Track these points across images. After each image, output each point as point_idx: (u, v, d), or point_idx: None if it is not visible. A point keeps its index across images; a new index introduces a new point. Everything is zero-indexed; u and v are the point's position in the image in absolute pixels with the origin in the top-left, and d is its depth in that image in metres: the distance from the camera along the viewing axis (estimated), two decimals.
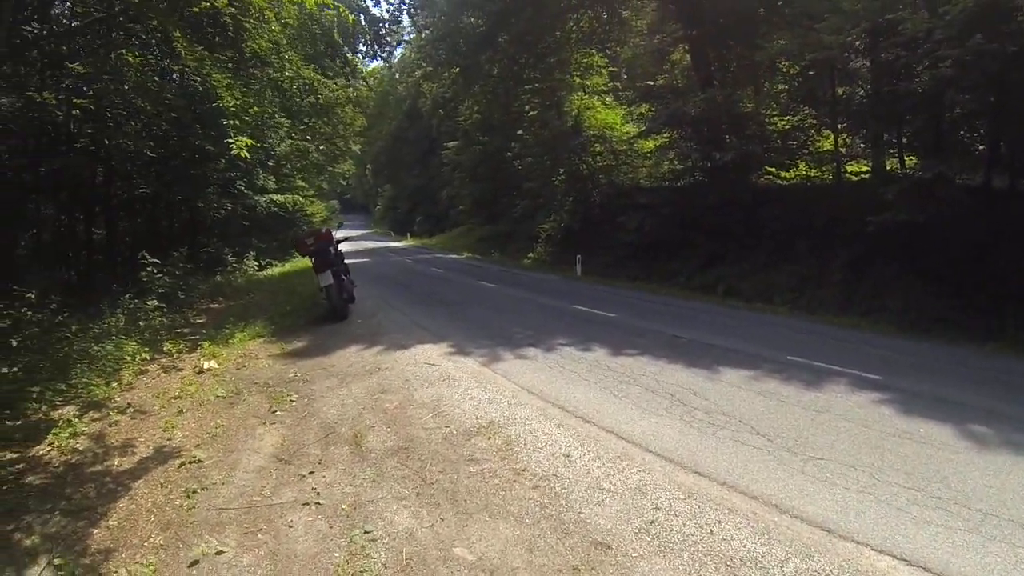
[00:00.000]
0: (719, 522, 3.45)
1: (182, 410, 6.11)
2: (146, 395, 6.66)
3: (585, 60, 23.32)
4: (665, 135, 18.27)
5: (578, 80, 23.50)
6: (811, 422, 5.04)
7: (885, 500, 3.69)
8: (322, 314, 10.41)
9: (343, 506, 3.99)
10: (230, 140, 8.28)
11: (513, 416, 5.38)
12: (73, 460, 5.29)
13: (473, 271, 20.44)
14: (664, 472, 4.17)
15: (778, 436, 4.73)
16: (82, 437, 5.70)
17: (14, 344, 8.27)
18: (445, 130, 39.19)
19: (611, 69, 23.84)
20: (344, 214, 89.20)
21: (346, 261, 11.11)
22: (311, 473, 4.56)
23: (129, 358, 7.78)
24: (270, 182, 21.56)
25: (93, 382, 6.91)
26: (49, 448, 5.49)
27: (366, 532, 3.62)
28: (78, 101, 9.58)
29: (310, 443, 5.11)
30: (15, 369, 7.59)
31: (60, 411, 6.40)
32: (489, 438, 4.90)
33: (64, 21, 10.81)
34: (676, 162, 18.67)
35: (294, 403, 6.06)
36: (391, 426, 5.30)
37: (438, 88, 29.48)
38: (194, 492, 4.44)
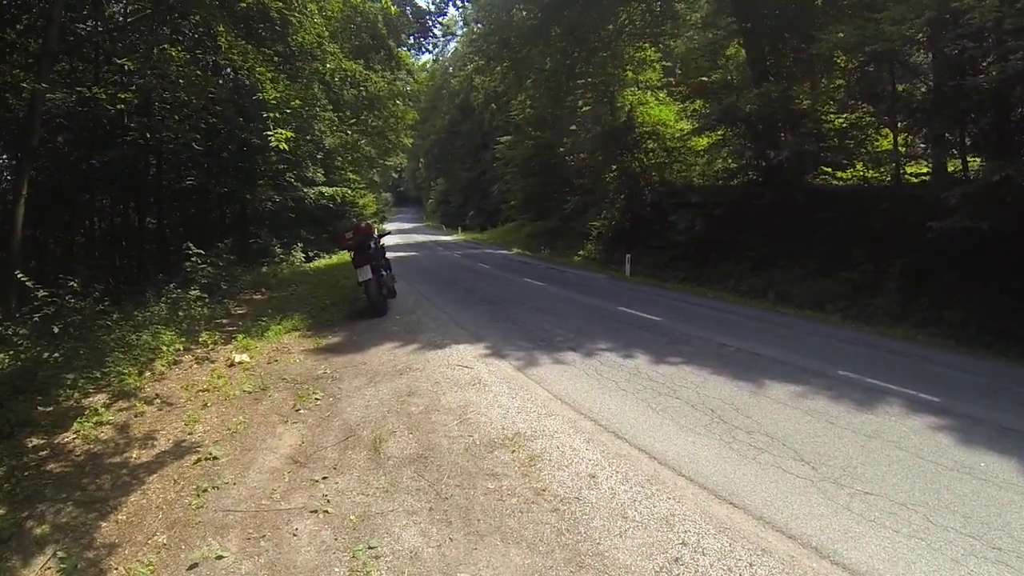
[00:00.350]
0: (750, 565, 3.13)
1: (207, 404, 6.10)
2: (175, 386, 6.69)
3: (638, 54, 22.74)
4: (719, 132, 17.73)
5: (631, 75, 22.95)
6: (860, 449, 4.63)
7: (939, 548, 3.30)
8: (361, 309, 10.35)
9: (351, 516, 3.84)
10: (270, 133, 8.27)
11: (541, 428, 5.13)
12: (95, 449, 5.33)
13: (520, 268, 20.22)
14: (696, 501, 3.86)
15: (824, 464, 4.35)
16: (107, 427, 5.75)
17: (55, 331, 8.55)
18: (497, 124, 39.03)
19: (664, 64, 23.23)
20: (397, 207, 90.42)
21: (394, 254, 11.00)
22: (324, 478, 4.43)
23: (165, 348, 7.86)
24: (319, 174, 21.78)
25: (126, 371, 6.98)
26: (74, 436, 5.56)
27: (370, 548, 3.45)
28: (123, 95, 9.75)
29: (328, 445, 5.00)
30: (56, 355, 7.80)
31: (91, 399, 6.48)
32: (513, 451, 4.68)
33: (119, 18, 11.04)
34: (730, 160, 18.16)
35: (319, 402, 5.97)
36: (413, 432, 5.14)
37: (490, 82, 29.37)
38: (204, 491, 4.39)
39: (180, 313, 9.42)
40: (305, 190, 20.70)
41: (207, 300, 10.70)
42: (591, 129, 24.32)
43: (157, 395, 6.45)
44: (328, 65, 10.35)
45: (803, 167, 14.77)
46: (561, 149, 27.74)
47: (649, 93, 23.13)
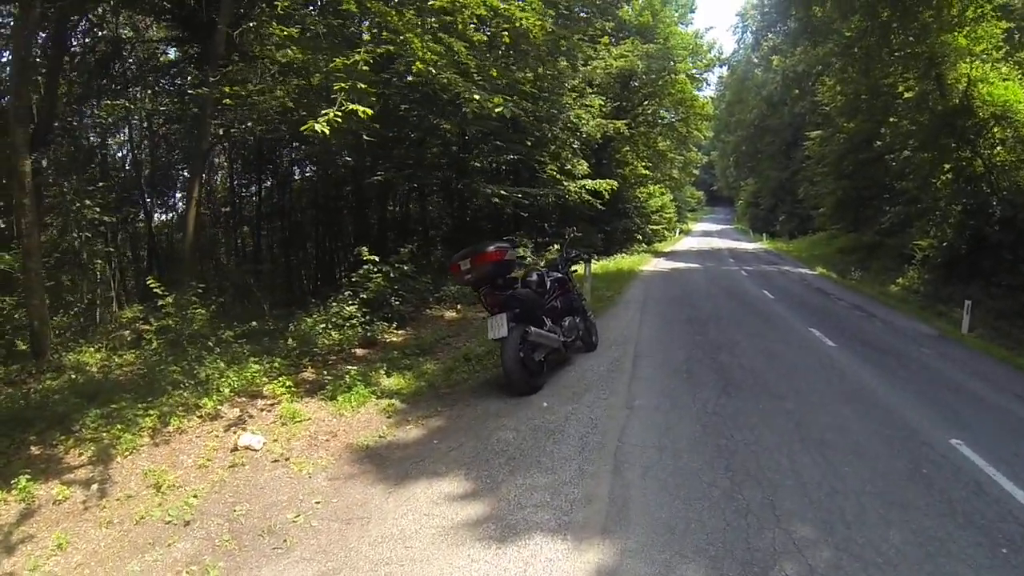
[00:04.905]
0: None
1: (107, 523, 4.10)
2: (145, 466, 4.87)
3: (971, 14, 15.51)
4: None
5: (963, 41, 16.15)
6: None
7: None
8: (497, 377, 6.95)
9: None
10: (326, 111, 5.80)
11: None
12: None
13: (813, 304, 15.00)
14: None
15: None
16: (16, 507, 4.23)
17: (154, 344, 7.63)
18: (804, 113, 33.90)
19: (1007, 25, 15.87)
20: (711, 206, 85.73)
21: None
22: None
23: (226, 390, 6.22)
24: (580, 166, 19.27)
25: (141, 419, 5.40)
26: None
27: None
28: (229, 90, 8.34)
29: None
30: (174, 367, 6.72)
31: (72, 453, 5.06)
32: None
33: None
34: None
35: None
36: None
37: (788, 62, 24.62)
38: None
39: (290, 341, 7.79)
40: (566, 183, 18.31)
41: (362, 319, 9.05)
42: (916, 118, 17.97)
43: (108, 478, 4.69)
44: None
45: None
46: (879, 144, 21.22)
47: (989, 65, 16.61)
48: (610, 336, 9.36)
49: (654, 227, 35.07)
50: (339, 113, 5.69)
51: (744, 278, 20.44)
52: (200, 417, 5.74)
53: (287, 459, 4.94)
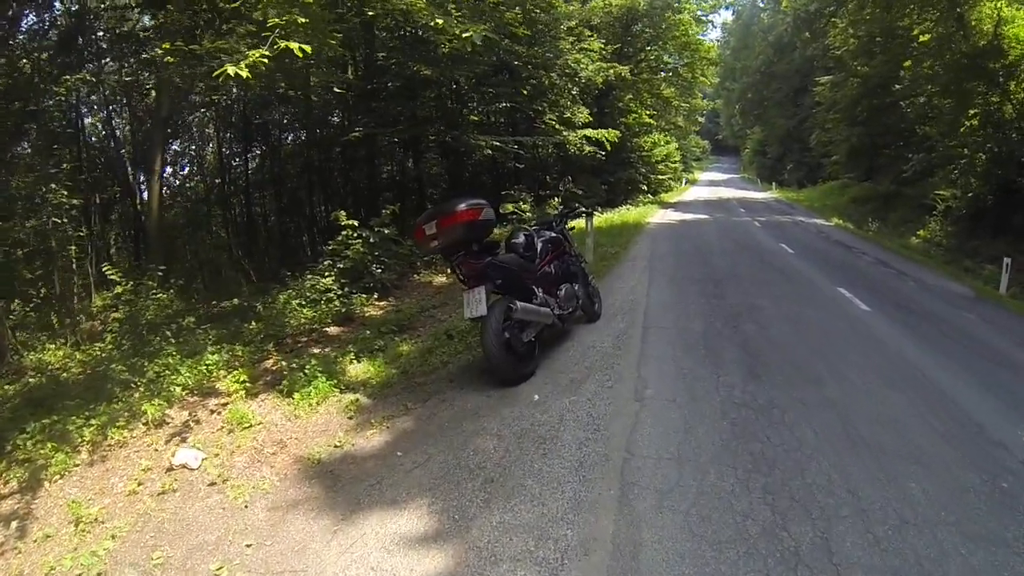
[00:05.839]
0: None
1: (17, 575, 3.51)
2: (76, 493, 4.32)
3: None
4: None
5: None
6: None
7: None
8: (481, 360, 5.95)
9: None
10: (252, 51, 4.96)
11: None
12: None
13: (836, 259, 14.11)
14: None
15: None
16: None
17: (108, 338, 7.09)
18: (815, 57, 32.49)
19: None
20: (716, 155, 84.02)
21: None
22: None
23: (177, 389, 5.64)
24: (580, 114, 18.11)
25: (78, 434, 4.85)
26: None
27: None
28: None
29: None
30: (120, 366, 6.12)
31: (5, 476, 4.45)
32: None
33: None
34: None
35: None
36: None
37: (799, 1, 23.45)
38: None
39: (254, 324, 7.19)
40: (566, 133, 17.25)
41: (339, 292, 8.44)
42: (937, 59, 17.09)
43: (30, 512, 4.14)
44: None
45: None
46: (896, 87, 20.02)
47: (1015, 7, 15.69)
48: (615, 302, 8.64)
49: (660, 177, 34.02)
50: (266, 53, 4.81)
51: (758, 230, 19.55)
52: (145, 424, 5.15)
53: (225, 481, 4.34)
